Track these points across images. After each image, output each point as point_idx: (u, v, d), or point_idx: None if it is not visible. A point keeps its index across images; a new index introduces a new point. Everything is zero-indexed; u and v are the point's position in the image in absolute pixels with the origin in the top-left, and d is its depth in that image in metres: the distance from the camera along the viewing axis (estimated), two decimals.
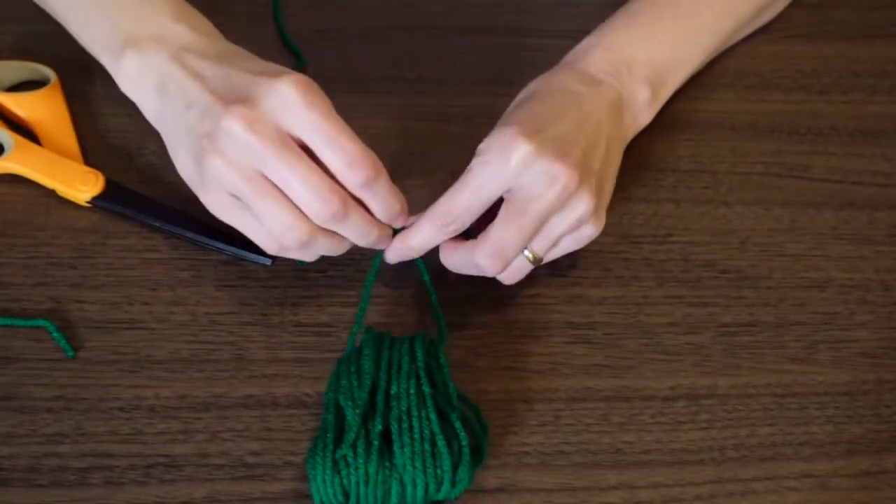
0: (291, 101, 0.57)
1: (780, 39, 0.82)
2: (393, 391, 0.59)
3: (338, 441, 0.58)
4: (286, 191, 0.58)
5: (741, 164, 0.75)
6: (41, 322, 0.64)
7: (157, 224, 0.68)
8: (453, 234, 0.63)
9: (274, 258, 0.68)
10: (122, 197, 0.69)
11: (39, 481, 0.59)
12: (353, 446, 0.57)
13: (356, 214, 0.60)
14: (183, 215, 0.68)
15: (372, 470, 0.57)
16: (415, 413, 0.58)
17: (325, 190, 0.57)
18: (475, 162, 0.61)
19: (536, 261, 0.63)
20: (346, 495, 0.58)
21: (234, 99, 0.57)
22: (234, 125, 0.56)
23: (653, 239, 0.71)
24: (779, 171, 0.75)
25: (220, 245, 0.68)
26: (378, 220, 0.61)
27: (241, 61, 0.61)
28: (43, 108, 0.72)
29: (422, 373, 0.60)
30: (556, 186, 0.60)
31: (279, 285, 0.67)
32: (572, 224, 0.62)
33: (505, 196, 0.61)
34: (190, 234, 0.68)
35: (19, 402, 0.62)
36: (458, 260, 0.63)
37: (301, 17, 0.81)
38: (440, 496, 0.59)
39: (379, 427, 0.58)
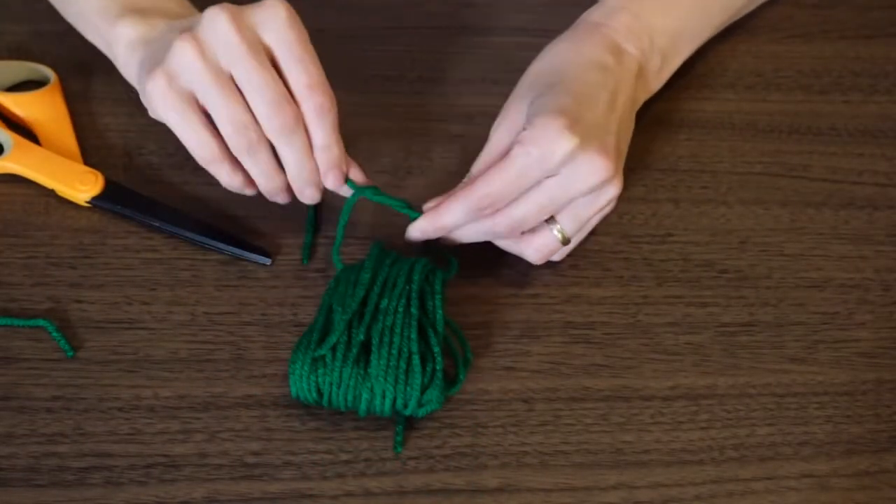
0: (278, 16, 0.60)
1: (780, 39, 0.82)
2: (382, 305, 0.62)
3: (321, 342, 0.61)
4: (247, 93, 0.60)
5: (741, 164, 0.75)
6: (41, 322, 0.64)
7: (157, 224, 0.68)
8: (487, 218, 0.63)
9: (274, 258, 0.68)
10: (122, 197, 0.69)
11: (39, 481, 0.59)
12: (333, 349, 0.60)
13: (301, 139, 0.62)
14: (183, 215, 0.68)
15: (346, 374, 0.60)
16: (397, 330, 0.61)
17: (284, 100, 0.60)
18: (518, 150, 0.61)
19: (566, 240, 0.64)
20: (320, 394, 0.61)
21: (228, 4, 0.61)
22: (220, 17, 0.60)
23: (652, 239, 0.71)
24: (778, 170, 0.75)
25: (220, 245, 0.68)
26: (315, 164, 0.63)
27: None
28: (42, 108, 0.72)
29: (414, 294, 0.62)
30: (594, 178, 0.62)
31: (279, 285, 0.67)
32: (602, 206, 0.64)
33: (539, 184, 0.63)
34: (190, 234, 0.68)
35: (19, 402, 0.62)
36: (472, 225, 0.64)
37: (301, 17, 0.81)
38: (407, 412, 0.61)
39: (361, 336, 0.61)
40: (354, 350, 0.60)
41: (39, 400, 0.62)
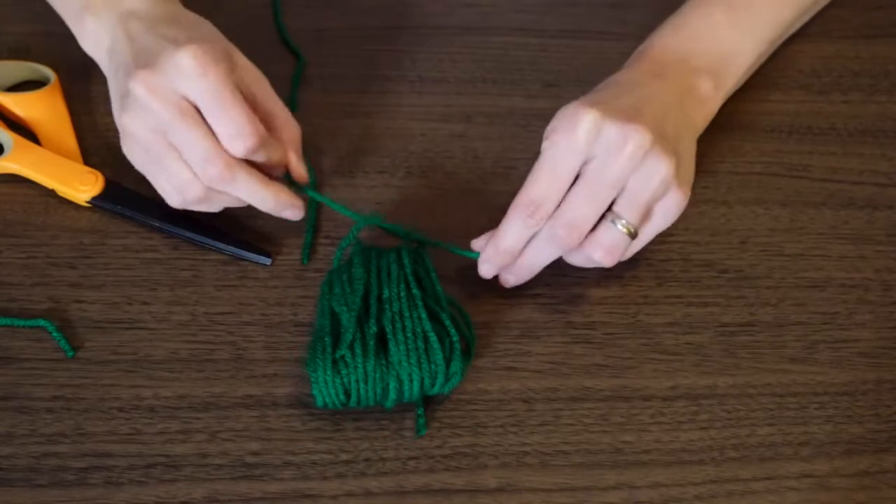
0: (187, 70, 0.60)
1: None
2: (385, 295, 0.62)
3: (336, 344, 0.61)
4: (181, 152, 0.62)
5: (741, 164, 0.75)
6: (41, 322, 0.64)
7: (157, 224, 0.68)
8: (540, 224, 0.62)
9: (274, 258, 0.68)
10: (122, 197, 0.69)
11: (39, 481, 0.60)
12: (351, 347, 0.60)
13: (244, 178, 0.62)
14: (183, 215, 0.68)
15: (370, 368, 0.60)
16: (406, 314, 0.62)
17: (211, 154, 0.61)
18: (544, 145, 0.62)
19: (632, 233, 0.63)
20: (347, 394, 0.61)
21: (143, 64, 0.61)
22: (137, 89, 0.61)
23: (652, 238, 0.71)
24: (778, 170, 0.75)
25: (220, 245, 0.68)
26: (275, 184, 0.64)
27: (168, 27, 0.64)
28: (43, 108, 0.72)
29: (410, 278, 0.63)
30: (629, 145, 0.60)
31: (279, 285, 0.67)
32: (656, 188, 0.62)
33: (581, 171, 0.62)
34: (190, 234, 0.68)
35: (19, 402, 0.62)
36: (534, 243, 0.63)
37: (301, 17, 0.81)
38: (435, 390, 0.62)
39: (374, 328, 0.61)
40: (371, 343, 0.60)
41: (39, 400, 0.62)
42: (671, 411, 0.64)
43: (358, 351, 0.60)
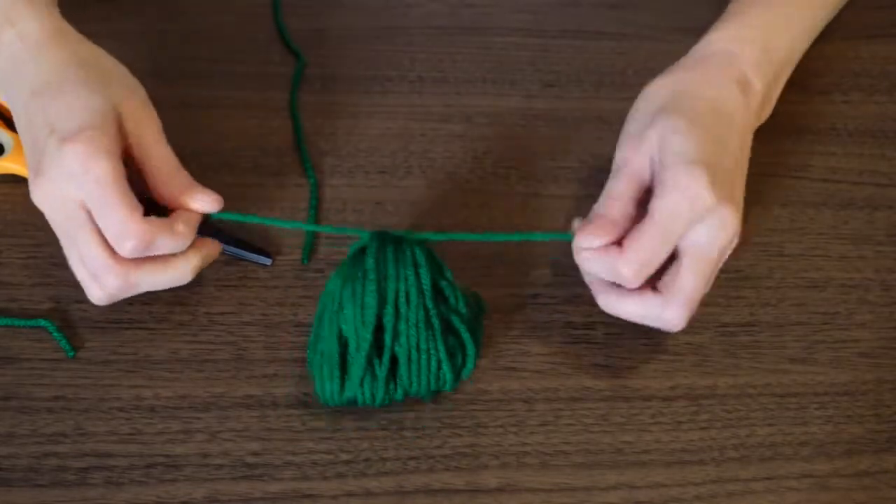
0: (72, 171, 0.58)
1: None
2: (402, 328, 0.59)
3: (343, 373, 0.60)
4: (82, 258, 0.61)
5: None
6: (41, 322, 0.64)
7: None
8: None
9: (274, 258, 0.68)
10: None
11: (39, 481, 0.60)
12: (361, 384, 0.60)
13: (144, 277, 0.61)
14: None
15: (378, 396, 0.61)
16: (423, 347, 0.60)
17: (106, 263, 0.60)
18: (658, 204, 0.60)
19: None
20: (354, 403, 0.62)
21: (34, 166, 0.61)
22: (35, 196, 0.60)
23: None
24: (778, 170, 0.75)
25: (221, 245, 0.68)
26: (180, 258, 0.62)
27: (50, 99, 0.61)
28: None
29: (430, 304, 0.60)
30: (723, 237, 0.60)
31: (279, 285, 0.67)
32: (721, 262, 0.63)
33: (682, 246, 0.60)
34: None
35: (19, 402, 0.62)
36: (640, 311, 0.62)
37: (301, 17, 0.81)
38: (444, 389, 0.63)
39: (386, 365, 0.60)
40: (382, 376, 0.60)
41: (40, 400, 0.62)
42: (671, 411, 0.64)
43: (367, 390, 0.60)
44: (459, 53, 0.80)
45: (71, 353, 0.64)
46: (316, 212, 0.70)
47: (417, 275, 0.60)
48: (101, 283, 0.61)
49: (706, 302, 0.69)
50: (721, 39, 0.68)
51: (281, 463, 0.61)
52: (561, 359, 0.66)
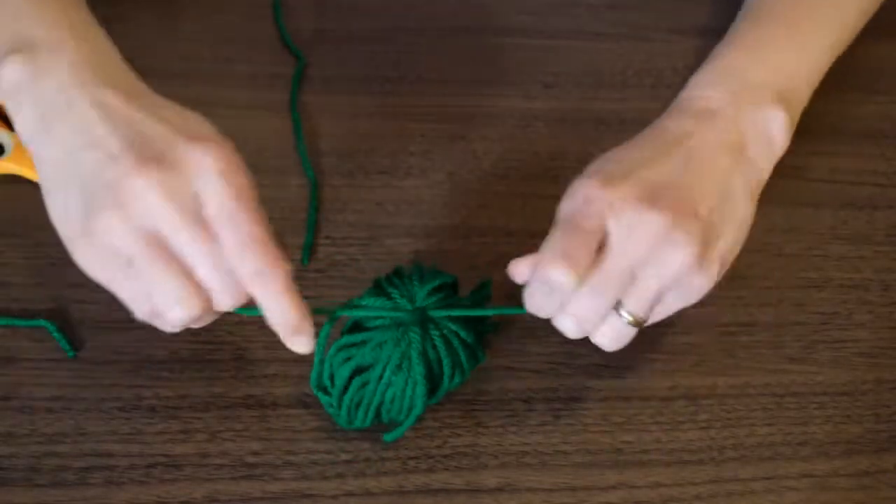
0: (210, 173, 0.52)
1: None
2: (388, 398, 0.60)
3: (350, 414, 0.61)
4: (191, 267, 0.53)
5: None
6: (41, 322, 0.64)
7: None
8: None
9: None
10: None
11: (39, 481, 0.60)
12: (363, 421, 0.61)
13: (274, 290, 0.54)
14: None
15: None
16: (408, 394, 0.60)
17: (231, 283, 0.53)
18: (557, 216, 0.58)
19: (639, 323, 0.58)
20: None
21: (150, 156, 0.52)
22: (147, 188, 0.51)
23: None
24: (778, 171, 0.75)
25: None
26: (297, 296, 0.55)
27: (157, 107, 0.55)
28: None
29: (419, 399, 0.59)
30: (640, 234, 0.55)
31: None
32: (669, 278, 0.56)
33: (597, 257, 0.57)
34: None
35: (19, 402, 0.62)
36: (544, 305, 0.59)
37: (301, 17, 0.81)
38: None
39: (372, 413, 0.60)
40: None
41: (40, 400, 0.62)
42: (671, 411, 0.64)
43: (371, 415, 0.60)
44: (459, 53, 0.80)
45: (71, 353, 0.64)
46: (316, 212, 0.70)
47: (455, 365, 0.60)
48: (224, 297, 0.54)
49: (705, 302, 0.69)
50: (690, 82, 0.65)
51: (281, 463, 0.61)
52: (561, 359, 0.66)
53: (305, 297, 0.67)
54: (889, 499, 0.63)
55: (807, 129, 0.77)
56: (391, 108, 0.76)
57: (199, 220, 0.52)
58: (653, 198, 0.56)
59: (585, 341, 0.66)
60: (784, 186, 0.74)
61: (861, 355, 0.68)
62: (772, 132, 0.63)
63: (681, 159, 0.59)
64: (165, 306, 0.53)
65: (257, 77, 0.77)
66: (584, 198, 0.57)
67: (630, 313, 0.58)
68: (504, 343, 0.66)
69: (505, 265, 0.68)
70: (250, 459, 0.61)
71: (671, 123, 0.62)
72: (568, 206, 0.58)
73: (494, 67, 0.79)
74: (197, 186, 0.52)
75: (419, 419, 0.63)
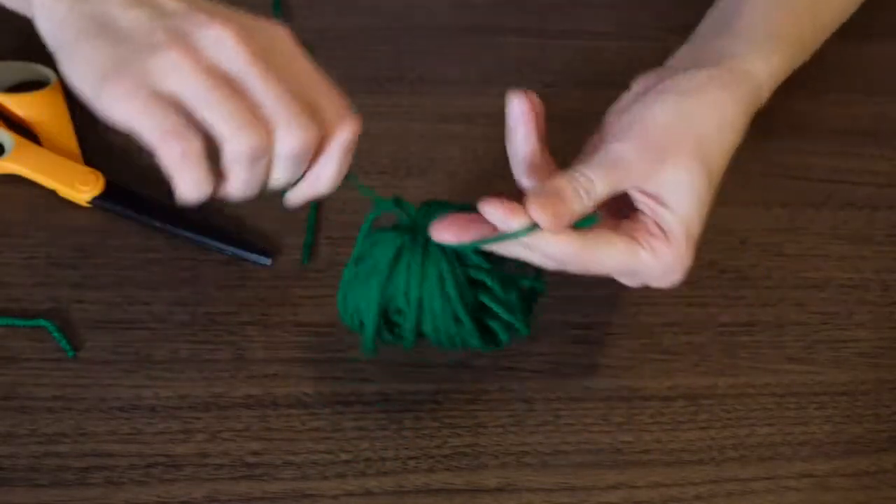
0: (285, 39, 0.55)
1: None
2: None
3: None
4: (261, 102, 0.52)
5: (741, 164, 0.75)
6: (41, 322, 0.64)
7: (157, 224, 0.68)
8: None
9: (274, 258, 0.68)
10: (123, 197, 0.69)
11: (39, 481, 0.60)
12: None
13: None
14: (183, 215, 0.68)
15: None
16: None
17: (301, 118, 0.53)
18: (646, 257, 0.57)
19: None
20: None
21: (225, 17, 0.53)
22: (226, 32, 0.52)
23: None
24: (778, 170, 0.75)
25: (220, 245, 0.68)
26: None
27: None
28: (43, 108, 0.73)
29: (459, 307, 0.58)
30: (664, 283, 0.59)
31: (279, 285, 0.67)
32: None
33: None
34: (190, 234, 0.68)
35: (19, 402, 0.62)
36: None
37: (301, 17, 0.81)
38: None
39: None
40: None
41: (40, 400, 0.62)
42: (671, 411, 0.64)
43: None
44: (459, 53, 0.80)
45: (71, 353, 0.64)
46: (316, 212, 0.70)
47: (443, 284, 0.58)
48: (298, 129, 0.53)
49: (705, 302, 0.69)
50: (745, 56, 0.63)
51: (281, 463, 0.61)
52: (561, 359, 0.66)
53: (305, 297, 0.67)
54: (889, 499, 0.63)
55: (807, 129, 0.78)
56: (391, 108, 0.76)
57: (271, 65, 0.52)
58: (690, 259, 0.59)
59: (585, 341, 0.67)
60: (784, 186, 0.74)
61: (861, 355, 0.68)
62: (765, 88, 0.64)
63: (715, 184, 0.60)
64: (229, 133, 0.52)
65: None
66: (666, 260, 0.57)
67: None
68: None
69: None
70: (250, 459, 0.61)
71: (736, 121, 0.61)
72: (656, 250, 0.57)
73: (494, 67, 0.79)
74: (276, 48, 0.53)
75: (419, 419, 0.63)
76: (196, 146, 0.51)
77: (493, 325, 0.60)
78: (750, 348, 0.67)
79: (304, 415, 0.63)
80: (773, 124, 0.77)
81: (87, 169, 0.70)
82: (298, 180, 0.56)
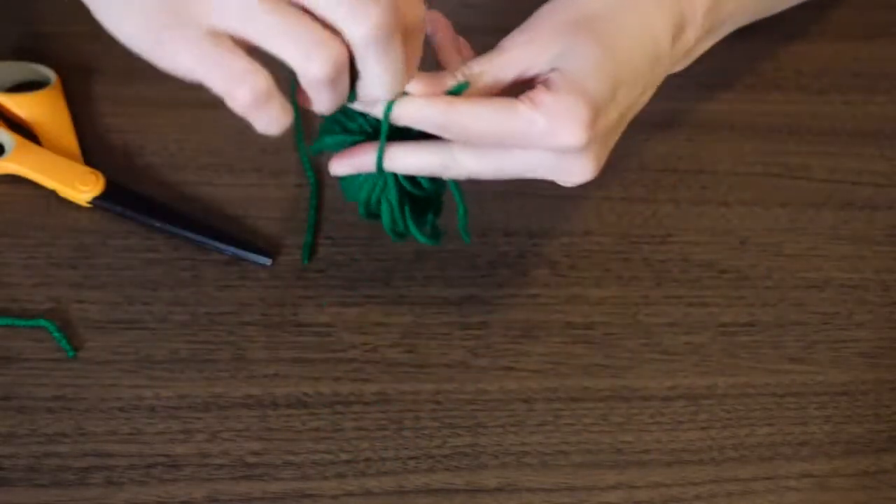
0: None
1: (780, 39, 0.82)
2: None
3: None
4: (326, 16, 0.50)
5: (741, 165, 0.75)
6: (41, 322, 0.64)
7: (157, 224, 0.68)
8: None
9: (274, 258, 0.68)
10: (123, 197, 0.69)
11: (39, 481, 0.60)
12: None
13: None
14: (183, 215, 0.68)
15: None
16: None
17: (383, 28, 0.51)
18: (527, 112, 0.55)
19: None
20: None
21: None
22: None
23: (652, 239, 0.71)
24: (778, 171, 0.75)
25: (220, 245, 0.68)
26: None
27: None
28: (43, 108, 0.72)
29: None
30: (572, 180, 0.58)
31: (279, 285, 0.67)
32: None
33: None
34: (190, 234, 0.68)
35: (19, 402, 0.62)
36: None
37: None
38: None
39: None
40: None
41: (40, 400, 0.62)
42: (671, 411, 0.64)
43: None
44: None
45: (71, 353, 0.64)
46: (316, 212, 0.70)
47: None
48: (374, 18, 0.50)
49: (705, 302, 0.69)
50: None
51: (281, 463, 0.61)
52: (561, 359, 0.66)
53: (305, 297, 0.67)
54: (889, 499, 0.63)
55: (807, 129, 0.77)
56: None
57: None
58: (602, 156, 0.58)
59: (585, 341, 0.67)
60: (784, 186, 0.74)
61: (861, 355, 0.68)
62: (690, 57, 0.65)
63: (635, 98, 0.60)
64: (302, 59, 0.50)
65: None
66: (559, 119, 0.55)
67: None
68: (504, 343, 0.66)
69: (505, 265, 0.69)
70: (250, 459, 0.61)
71: (658, 32, 0.60)
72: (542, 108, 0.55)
73: None
74: None
75: (419, 419, 0.63)
76: (264, 85, 0.51)
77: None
78: (750, 348, 0.67)
79: (304, 415, 0.63)
80: (772, 124, 0.77)
81: (87, 169, 0.70)
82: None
